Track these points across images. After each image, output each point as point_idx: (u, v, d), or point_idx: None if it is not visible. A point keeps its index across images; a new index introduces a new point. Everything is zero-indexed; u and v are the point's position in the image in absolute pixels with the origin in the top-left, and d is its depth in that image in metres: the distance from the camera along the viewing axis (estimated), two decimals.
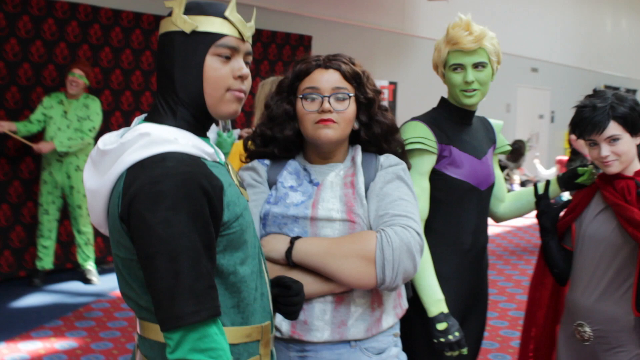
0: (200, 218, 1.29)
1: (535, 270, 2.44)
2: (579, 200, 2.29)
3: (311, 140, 1.83)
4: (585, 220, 2.25)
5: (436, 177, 2.19)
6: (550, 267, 2.33)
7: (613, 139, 2.11)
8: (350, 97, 1.81)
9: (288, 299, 1.61)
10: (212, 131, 3.63)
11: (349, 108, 1.81)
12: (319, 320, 1.73)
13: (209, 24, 1.41)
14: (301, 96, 1.81)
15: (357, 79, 1.85)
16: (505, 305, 5.56)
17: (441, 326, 2.02)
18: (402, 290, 1.92)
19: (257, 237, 1.52)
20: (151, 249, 1.25)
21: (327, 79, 1.81)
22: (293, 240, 1.71)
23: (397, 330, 1.86)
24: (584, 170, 2.34)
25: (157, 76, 1.46)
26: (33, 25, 5.96)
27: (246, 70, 1.45)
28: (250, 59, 1.49)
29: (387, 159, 1.85)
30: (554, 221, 2.31)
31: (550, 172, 8.93)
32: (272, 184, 1.86)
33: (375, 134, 1.88)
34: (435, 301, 2.05)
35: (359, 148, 1.88)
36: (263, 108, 2.93)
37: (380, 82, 8.96)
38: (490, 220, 2.42)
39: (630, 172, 2.17)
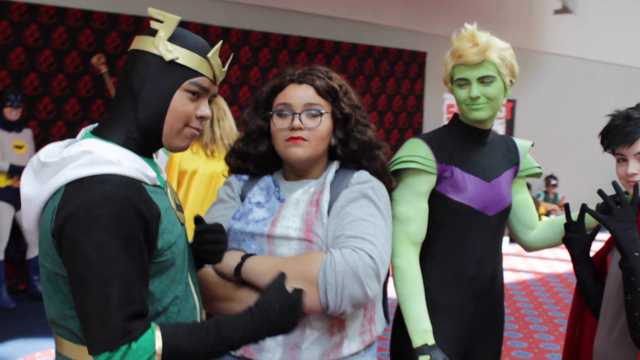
0: (135, 244, 1.29)
1: (573, 304, 2.19)
2: None
3: (283, 158, 1.79)
4: (615, 253, 2.02)
5: (437, 199, 2.04)
6: (586, 302, 2.09)
7: None
8: (322, 113, 1.75)
9: (209, 245, 1.60)
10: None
11: (322, 125, 1.75)
12: (271, 340, 1.67)
13: (189, 59, 1.42)
14: (273, 112, 1.78)
15: (332, 94, 1.78)
16: None
17: (423, 359, 1.89)
18: (377, 316, 1.82)
19: (186, 261, 1.50)
20: (83, 272, 1.26)
21: (299, 95, 1.75)
22: (244, 257, 1.67)
23: (365, 358, 1.76)
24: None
25: (119, 88, 1.45)
26: (95, 38, 6.18)
27: (207, 112, 1.46)
28: (214, 100, 1.50)
29: (358, 177, 1.77)
30: (585, 249, 2.06)
31: None
32: (244, 199, 1.84)
33: (352, 150, 1.80)
34: (421, 331, 1.91)
35: (334, 165, 1.81)
36: None
37: None
38: None
39: None
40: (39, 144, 5.64)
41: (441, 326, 2.01)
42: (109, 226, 1.25)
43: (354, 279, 1.55)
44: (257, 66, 7.23)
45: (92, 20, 6.17)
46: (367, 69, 8.23)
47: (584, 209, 1.93)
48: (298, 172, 1.81)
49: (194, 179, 3.43)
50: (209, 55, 1.45)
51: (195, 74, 1.43)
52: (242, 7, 7.06)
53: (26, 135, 5.56)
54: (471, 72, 1.99)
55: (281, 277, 1.46)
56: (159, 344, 1.27)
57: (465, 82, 2.01)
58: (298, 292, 1.45)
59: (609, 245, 2.04)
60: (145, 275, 1.32)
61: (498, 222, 2.11)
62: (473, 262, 2.06)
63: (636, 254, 1.76)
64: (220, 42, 1.51)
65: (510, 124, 9.09)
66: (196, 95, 1.44)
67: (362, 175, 1.78)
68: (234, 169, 1.91)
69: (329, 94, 1.78)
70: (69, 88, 6.12)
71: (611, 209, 1.80)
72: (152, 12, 1.43)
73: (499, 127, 8.53)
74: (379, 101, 8.41)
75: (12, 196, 5.37)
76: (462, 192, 2.03)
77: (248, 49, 7.17)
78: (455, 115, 2.13)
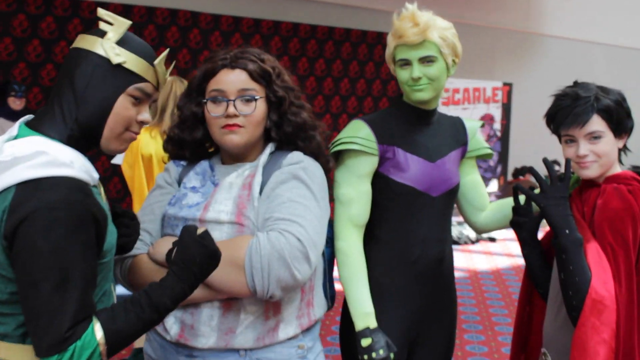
0: (90, 248, 1.32)
1: (522, 288, 2.16)
2: None
3: (219, 144, 1.78)
4: None
5: (380, 180, 2.02)
6: (535, 286, 2.06)
7: (594, 136, 1.80)
8: (256, 99, 1.73)
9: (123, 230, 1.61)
10: None
11: (257, 110, 1.73)
12: (206, 325, 1.67)
13: (136, 64, 1.43)
14: (207, 100, 1.75)
15: (266, 78, 1.76)
16: None
17: (365, 342, 1.87)
18: (317, 299, 1.81)
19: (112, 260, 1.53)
20: (38, 275, 1.27)
21: (232, 81, 1.72)
22: (175, 243, 1.66)
23: (304, 342, 1.75)
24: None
25: (60, 85, 1.43)
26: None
27: (147, 117, 1.48)
28: (153, 105, 1.51)
29: (291, 158, 1.75)
30: (532, 232, 2.02)
31: None
32: (181, 184, 1.83)
33: (286, 132, 1.79)
34: (362, 314, 1.90)
35: (269, 147, 1.80)
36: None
37: (494, 83, 8.56)
38: None
39: (603, 179, 1.87)
40: None
41: (387, 309, 2.00)
42: (68, 230, 1.28)
43: (280, 261, 1.55)
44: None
45: (81, 10, 6.17)
46: (377, 55, 8.18)
47: (517, 188, 1.91)
48: (235, 156, 1.80)
49: (152, 163, 3.55)
50: (156, 62, 1.47)
51: (140, 79, 1.43)
52: None
53: None
54: (412, 53, 1.96)
55: (192, 228, 1.46)
56: (99, 334, 1.32)
57: (406, 63, 1.98)
58: (207, 235, 1.45)
59: None
60: (96, 279, 1.36)
61: (443, 203, 2.09)
62: (417, 244, 2.04)
63: (567, 231, 1.75)
64: (167, 50, 1.53)
65: (507, 108, 9.02)
66: (138, 100, 1.45)
67: (295, 156, 1.76)
68: (172, 156, 1.90)
69: (262, 77, 1.76)
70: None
71: (542, 186, 1.79)
72: (102, 13, 1.43)
73: (495, 111, 8.48)
74: (388, 87, 8.35)
75: None
76: (404, 172, 2.01)
77: (259, 37, 7.15)
78: (400, 95, 2.11)
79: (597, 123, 1.81)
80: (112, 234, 1.44)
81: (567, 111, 1.82)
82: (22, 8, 5.88)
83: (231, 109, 1.70)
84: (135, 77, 1.42)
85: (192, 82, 1.81)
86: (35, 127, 1.41)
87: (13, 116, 5.43)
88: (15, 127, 1.44)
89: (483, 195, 2.24)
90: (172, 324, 1.71)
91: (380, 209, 2.03)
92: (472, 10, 8.95)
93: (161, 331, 1.74)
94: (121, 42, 1.42)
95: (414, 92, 1.99)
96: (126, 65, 1.41)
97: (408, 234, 2.04)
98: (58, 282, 1.27)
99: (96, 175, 1.42)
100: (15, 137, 1.39)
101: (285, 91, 1.79)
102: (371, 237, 2.04)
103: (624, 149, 1.91)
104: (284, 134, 1.79)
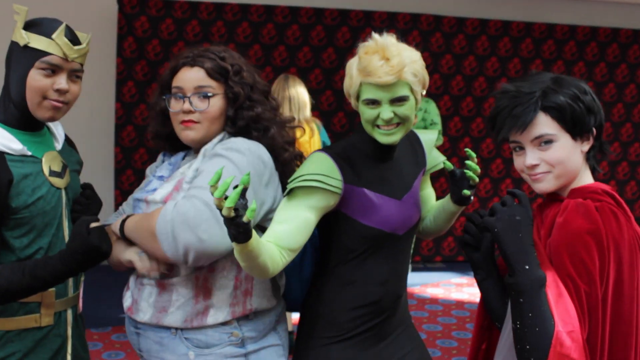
0: None
1: (476, 322, 1.73)
2: None
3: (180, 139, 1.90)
4: None
5: (344, 222, 1.85)
6: (492, 319, 1.66)
7: (544, 141, 1.50)
8: (209, 96, 1.82)
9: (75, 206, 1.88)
10: None
11: (212, 107, 1.82)
12: (145, 302, 1.81)
13: (38, 41, 1.73)
14: (168, 96, 1.88)
15: (224, 75, 1.84)
16: None
17: None
18: (257, 290, 1.83)
19: (57, 218, 1.80)
20: None
21: (190, 78, 1.84)
22: (126, 217, 1.83)
23: (239, 331, 1.79)
24: (448, 166, 1.97)
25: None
26: (351, 35, 6.53)
27: (64, 86, 1.75)
28: (80, 74, 1.80)
29: (225, 141, 1.81)
30: (487, 253, 1.63)
31: None
32: None
33: (240, 126, 1.85)
34: None
35: (218, 136, 1.85)
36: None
37: None
38: None
39: (568, 192, 1.54)
40: None
41: (344, 354, 1.89)
42: None
43: (184, 225, 1.62)
44: (495, 55, 6.97)
45: (299, 16, 6.48)
46: (611, 55, 7.36)
47: (468, 217, 1.62)
48: (198, 150, 1.89)
49: None
50: (53, 36, 1.72)
51: (44, 54, 1.72)
52: None
53: None
54: (382, 94, 1.75)
55: (85, 221, 1.68)
56: None
57: (374, 103, 1.78)
58: (96, 231, 1.67)
59: None
60: None
61: (407, 239, 1.96)
62: (381, 284, 1.90)
63: (526, 266, 1.42)
64: (64, 24, 1.74)
65: None
66: (50, 71, 1.73)
67: (230, 140, 1.81)
68: (158, 148, 2.05)
69: (220, 74, 1.85)
70: None
71: (493, 206, 1.49)
72: (15, 7, 1.74)
73: None
74: (626, 91, 7.46)
75: None
76: (373, 215, 1.85)
77: (463, 37, 7.00)
78: (361, 126, 1.88)
79: (544, 124, 1.50)
80: (27, 195, 1.71)
81: (506, 113, 1.52)
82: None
83: (186, 105, 1.83)
84: (40, 53, 1.71)
85: (161, 79, 1.94)
86: None
87: None
88: None
89: (432, 206, 2.16)
90: (127, 297, 1.90)
91: (345, 250, 1.89)
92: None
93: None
94: (28, 27, 1.73)
95: (382, 136, 1.80)
96: (31, 45, 1.71)
97: (372, 275, 1.90)
98: None
99: (17, 147, 1.72)
100: None
101: (242, 87, 1.85)
102: (332, 276, 1.92)
103: (598, 152, 1.58)
104: (238, 128, 1.85)
